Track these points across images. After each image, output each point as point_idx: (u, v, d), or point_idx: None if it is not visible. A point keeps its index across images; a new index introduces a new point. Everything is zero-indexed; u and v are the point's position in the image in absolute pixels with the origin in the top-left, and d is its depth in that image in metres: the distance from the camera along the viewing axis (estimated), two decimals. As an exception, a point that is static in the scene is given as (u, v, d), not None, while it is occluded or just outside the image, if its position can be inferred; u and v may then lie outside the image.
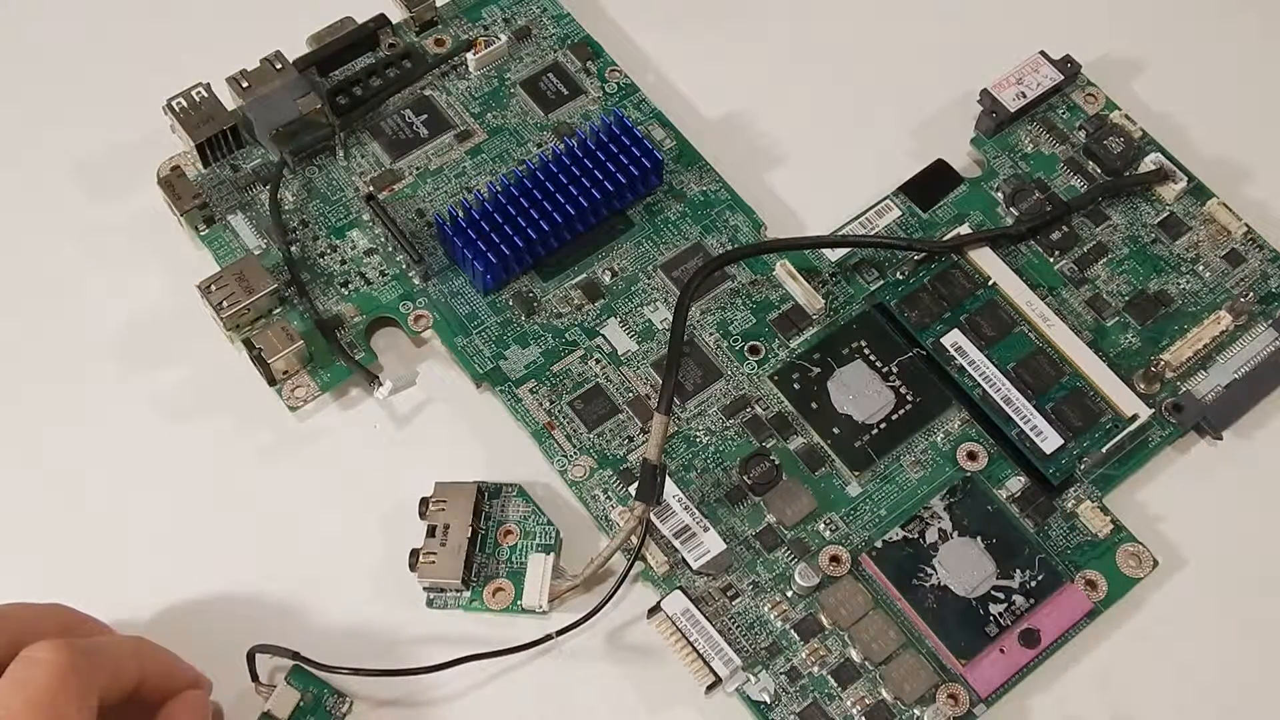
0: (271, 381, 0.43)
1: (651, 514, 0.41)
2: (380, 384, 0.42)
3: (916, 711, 0.39)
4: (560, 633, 0.40)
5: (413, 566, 0.41)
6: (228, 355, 0.44)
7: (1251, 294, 0.45)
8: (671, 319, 0.44)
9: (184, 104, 0.46)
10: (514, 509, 0.42)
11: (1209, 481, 0.43)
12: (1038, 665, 0.40)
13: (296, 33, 0.48)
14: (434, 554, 0.41)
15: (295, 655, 0.39)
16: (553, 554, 0.41)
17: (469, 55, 0.48)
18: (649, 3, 0.51)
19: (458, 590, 0.41)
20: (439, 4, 0.49)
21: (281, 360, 0.42)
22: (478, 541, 0.41)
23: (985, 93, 0.47)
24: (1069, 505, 0.42)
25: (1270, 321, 0.45)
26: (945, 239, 0.45)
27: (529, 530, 0.42)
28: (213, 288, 0.43)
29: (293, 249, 0.45)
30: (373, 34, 0.48)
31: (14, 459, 0.43)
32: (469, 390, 0.44)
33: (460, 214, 0.44)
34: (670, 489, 0.41)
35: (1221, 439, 0.43)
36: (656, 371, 0.44)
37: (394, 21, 0.49)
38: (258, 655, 0.39)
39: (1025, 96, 0.47)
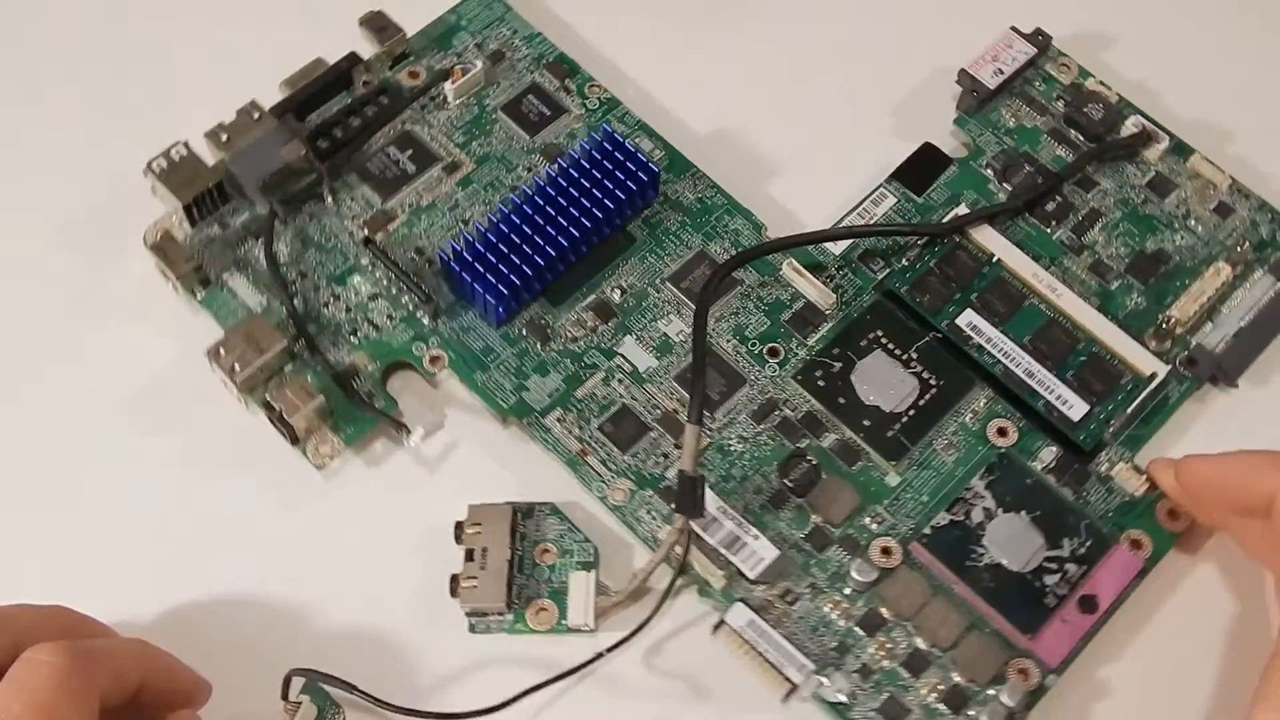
0: (295, 441, 0.42)
1: (699, 527, 0.41)
2: (409, 432, 0.42)
3: (991, 691, 0.39)
4: (611, 649, 0.40)
5: (454, 592, 0.40)
6: (240, 417, 0.43)
7: (1246, 243, 0.46)
8: (689, 330, 0.44)
9: (164, 165, 0.44)
10: (549, 527, 0.42)
11: (1230, 430, 0.44)
12: (1099, 630, 0.40)
13: (267, 79, 0.47)
14: (474, 578, 0.40)
15: (349, 686, 0.38)
16: (594, 570, 0.41)
17: (446, 85, 0.47)
18: (616, 16, 0.51)
19: (501, 614, 0.40)
20: (409, 35, 0.48)
21: (303, 419, 0.41)
22: (516, 563, 0.41)
23: (964, 73, 0.48)
24: (1103, 469, 0.43)
25: (1267, 267, 0.46)
26: (945, 220, 0.46)
27: (566, 548, 0.41)
28: (221, 351, 0.42)
29: (295, 302, 0.44)
30: (346, 73, 0.47)
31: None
32: (491, 425, 0.43)
33: (463, 247, 0.43)
34: (713, 500, 0.41)
35: (1237, 386, 0.44)
36: (681, 385, 0.43)
37: (365, 58, 0.48)
38: (294, 678, 0.38)
39: (1002, 73, 0.48)
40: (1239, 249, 0.46)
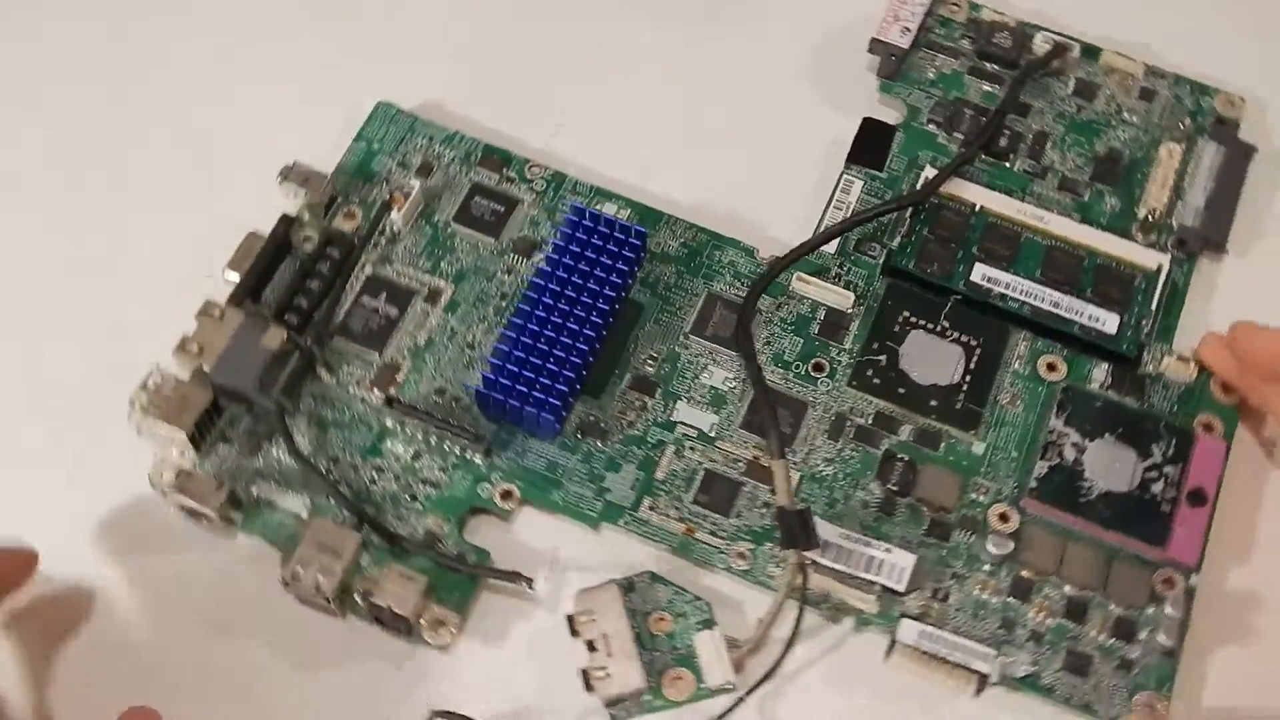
0: (409, 631, 0.39)
1: (831, 559, 0.40)
2: (529, 582, 0.40)
3: (1150, 611, 0.41)
4: (750, 692, 0.39)
5: (589, 687, 0.39)
6: (325, 629, 0.40)
7: (1187, 119, 0.49)
8: (733, 375, 0.43)
9: (146, 398, 0.40)
10: (657, 595, 0.41)
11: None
12: (1215, 520, 0.42)
13: (205, 266, 0.44)
14: (604, 667, 0.39)
15: None
16: (716, 626, 0.40)
17: (392, 215, 0.45)
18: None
19: (641, 694, 0.39)
20: (328, 176, 0.45)
21: (412, 607, 0.39)
22: (637, 639, 0.40)
23: (875, 40, 0.49)
24: (1152, 369, 0.44)
25: (1207, 134, 0.48)
26: (919, 186, 0.46)
27: (680, 611, 0.40)
28: (299, 570, 0.39)
29: (341, 489, 0.41)
30: (285, 238, 0.44)
31: None
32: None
33: (495, 373, 0.41)
34: (831, 530, 0.41)
35: (1227, 252, 0.47)
36: (749, 431, 0.43)
37: (295, 215, 0.45)
38: None
39: (910, 30, 0.49)
40: (1179, 126, 0.48)
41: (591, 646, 0.39)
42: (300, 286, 0.44)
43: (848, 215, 0.46)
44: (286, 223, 0.44)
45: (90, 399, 0.43)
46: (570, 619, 0.40)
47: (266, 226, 0.44)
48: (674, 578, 0.41)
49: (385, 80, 0.49)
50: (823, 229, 0.46)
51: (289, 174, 0.44)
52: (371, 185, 0.46)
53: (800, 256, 0.45)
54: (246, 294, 0.43)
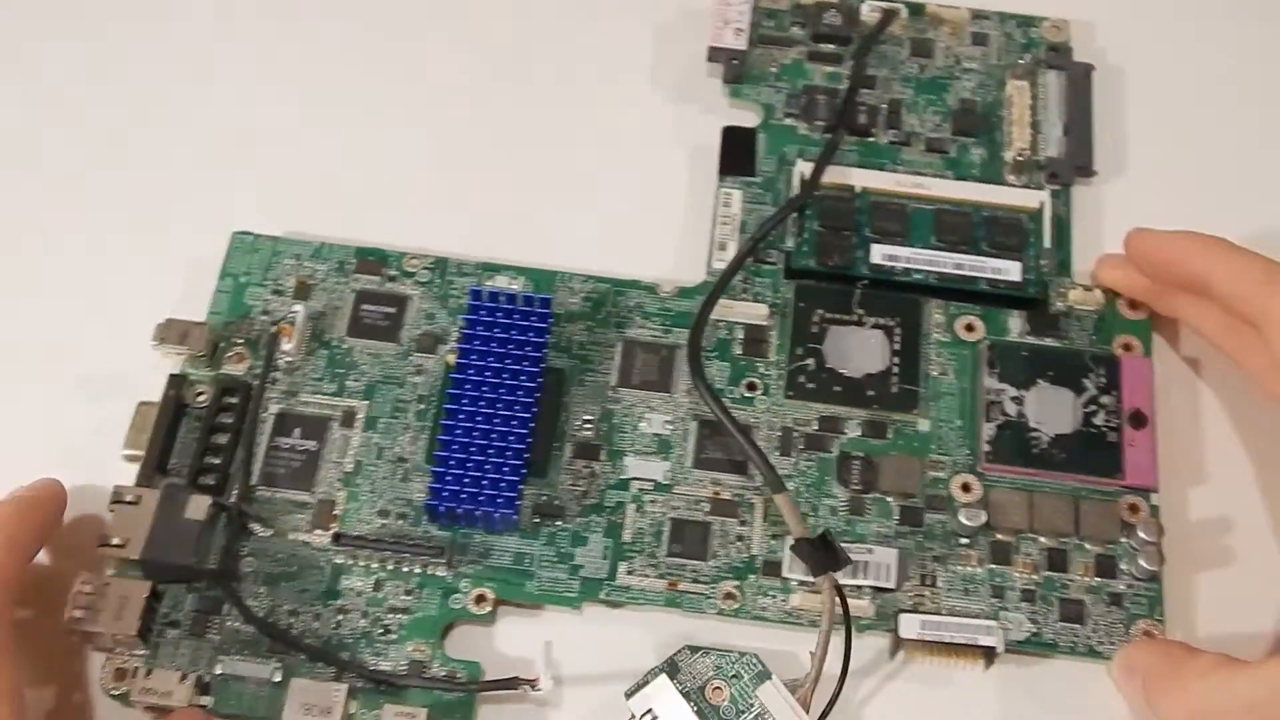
0: (422, 772, 0.38)
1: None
2: (529, 683, 0.38)
3: (1125, 541, 0.42)
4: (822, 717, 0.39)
5: None
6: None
7: (1024, 55, 0.49)
8: (670, 417, 0.43)
9: (83, 608, 0.38)
10: (702, 666, 0.40)
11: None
12: (1161, 441, 0.43)
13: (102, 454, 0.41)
14: None
15: None
16: (773, 675, 0.40)
17: (284, 346, 0.43)
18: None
19: None
20: (204, 324, 0.43)
21: (421, 741, 0.37)
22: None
23: (713, 48, 0.48)
24: (1061, 305, 0.45)
25: (1044, 64, 0.49)
26: (799, 183, 0.46)
27: (731, 673, 0.40)
28: (296, 735, 0.37)
29: (308, 642, 0.39)
30: (177, 399, 0.42)
31: None
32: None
33: (440, 482, 0.40)
34: (808, 541, 0.41)
35: (1096, 172, 0.48)
36: (702, 469, 0.42)
37: (180, 372, 0.42)
38: None
39: (743, 30, 0.48)
40: (1019, 63, 0.49)
41: None
42: (207, 445, 0.41)
43: (736, 227, 0.46)
44: (176, 383, 0.42)
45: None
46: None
47: (150, 392, 0.42)
48: (713, 640, 0.40)
49: (227, 214, 0.46)
50: (734, 252, 0.45)
51: (164, 333, 0.42)
52: (251, 321, 0.44)
53: (723, 285, 0.44)
54: (154, 469, 0.41)
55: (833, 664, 0.39)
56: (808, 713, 0.39)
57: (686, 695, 0.39)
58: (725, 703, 0.39)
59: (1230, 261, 0.41)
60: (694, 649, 0.40)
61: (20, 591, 0.38)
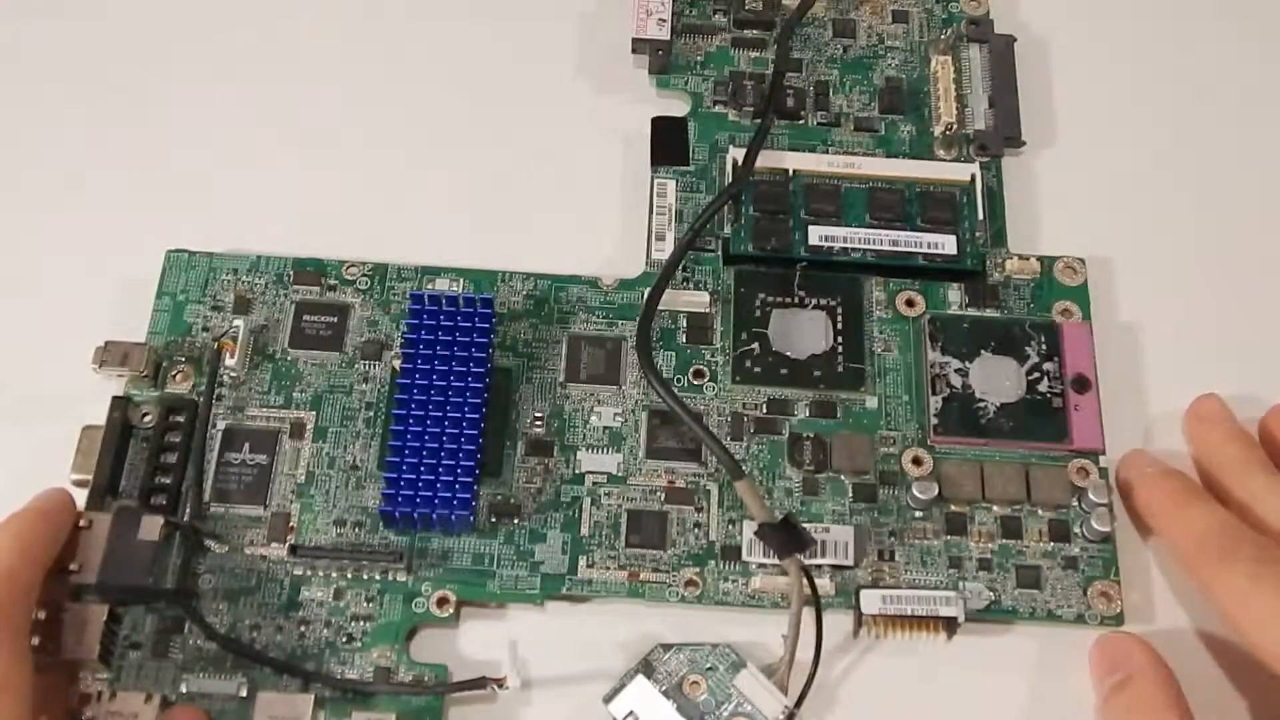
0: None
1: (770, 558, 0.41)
2: (496, 682, 0.38)
3: (1075, 503, 0.42)
4: (799, 704, 0.39)
5: None
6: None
7: (948, 30, 0.50)
8: (619, 410, 0.43)
9: (40, 635, 0.37)
10: (675, 663, 0.40)
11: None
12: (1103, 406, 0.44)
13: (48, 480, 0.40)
14: None
15: None
16: (747, 663, 0.40)
17: (227, 361, 0.42)
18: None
19: None
20: (144, 344, 0.42)
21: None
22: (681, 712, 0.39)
23: (637, 40, 0.48)
24: (999, 276, 0.46)
25: (965, 39, 0.50)
26: (731, 170, 0.46)
27: (706, 665, 0.40)
28: (265, 754, 0.37)
29: (272, 655, 0.39)
30: (123, 421, 0.41)
31: None
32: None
33: (394, 488, 0.40)
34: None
35: (1025, 143, 0.48)
36: (655, 459, 0.42)
37: (123, 394, 0.42)
38: None
39: (665, 20, 0.49)
40: (941, 38, 0.50)
41: None
42: (157, 465, 0.41)
43: (672, 217, 0.46)
44: (120, 404, 0.41)
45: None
46: None
47: (93, 415, 0.41)
48: (681, 636, 0.40)
49: (158, 233, 0.45)
50: (672, 242, 0.45)
51: (105, 356, 0.42)
52: (192, 339, 0.43)
53: (668, 275, 0.44)
54: (104, 492, 0.40)
55: (803, 645, 0.39)
56: (786, 695, 0.39)
57: (665, 694, 0.39)
58: (704, 696, 0.39)
59: (1175, 529, 0.41)
60: (666, 646, 0.40)
61: (35, 600, 0.37)
